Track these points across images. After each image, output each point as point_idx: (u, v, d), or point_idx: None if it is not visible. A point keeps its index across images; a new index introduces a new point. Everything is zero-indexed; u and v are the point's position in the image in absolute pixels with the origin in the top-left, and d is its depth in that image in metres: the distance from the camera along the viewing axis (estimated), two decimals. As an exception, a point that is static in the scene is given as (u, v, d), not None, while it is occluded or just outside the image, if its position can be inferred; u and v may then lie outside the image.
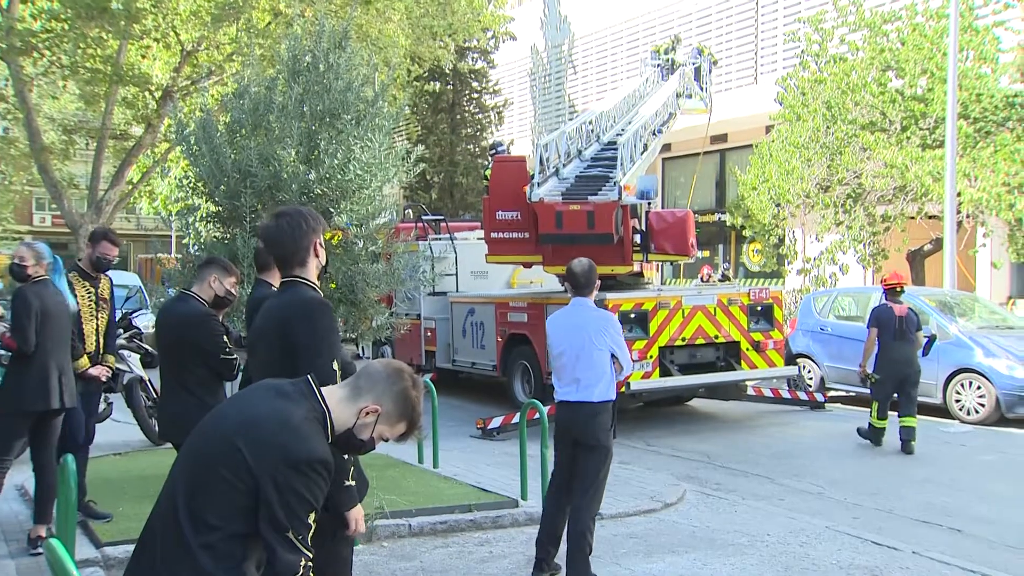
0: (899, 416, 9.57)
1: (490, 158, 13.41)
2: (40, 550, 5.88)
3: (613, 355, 5.46)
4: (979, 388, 11.20)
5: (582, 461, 5.48)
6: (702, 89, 15.05)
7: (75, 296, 6.38)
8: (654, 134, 12.70)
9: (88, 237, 6.59)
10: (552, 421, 5.81)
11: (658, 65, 15.03)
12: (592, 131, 12.24)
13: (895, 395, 9.77)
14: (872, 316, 10.01)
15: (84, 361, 6.37)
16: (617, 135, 12.03)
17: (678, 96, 14.10)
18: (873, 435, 9.83)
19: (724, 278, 20.06)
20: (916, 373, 9.75)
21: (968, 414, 11.23)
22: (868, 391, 10.27)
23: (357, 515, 3.47)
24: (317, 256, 3.54)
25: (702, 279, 18.85)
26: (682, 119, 14.49)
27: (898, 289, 9.95)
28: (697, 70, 15.07)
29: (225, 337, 5.25)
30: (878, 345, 9.75)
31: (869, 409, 9.97)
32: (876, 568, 5.90)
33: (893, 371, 9.65)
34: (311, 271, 3.53)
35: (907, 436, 9.48)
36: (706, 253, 22.84)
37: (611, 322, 5.60)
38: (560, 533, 5.61)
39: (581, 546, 5.39)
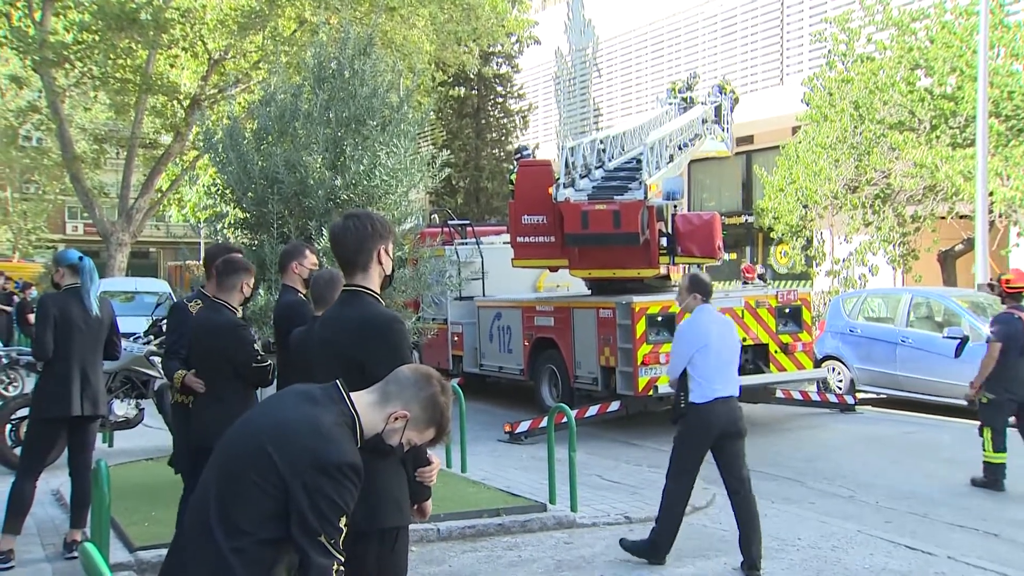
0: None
1: (515, 162, 13.39)
2: (75, 554, 5.96)
3: None
4: (1014, 390, 11.00)
5: (735, 449, 5.92)
6: (723, 129, 14.26)
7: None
8: (680, 148, 12.49)
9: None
10: (704, 420, 5.92)
11: (673, 104, 14.23)
12: (604, 150, 11.79)
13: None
14: (997, 328, 8.14)
15: None
16: (626, 163, 11.66)
17: (704, 122, 13.63)
18: (990, 475, 7.98)
19: (763, 279, 19.62)
20: None
21: (1003, 416, 11.04)
22: (972, 409, 8.62)
23: (428, 506, 3.46)
24: (381, 264, 3.36)
25: (746, 280, 18.40)
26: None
27: None
28: (717, 109, 14.29)
29: (256, 344, 5.30)
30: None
31: (981, 439, 8.06)
32: (910, 573, 5.83)
33: (1016, 393, 7.98)
34: (373, 279, 3.35)
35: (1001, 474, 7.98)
36: (733, 256, 22.68)
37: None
38: None
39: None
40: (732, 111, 14.79)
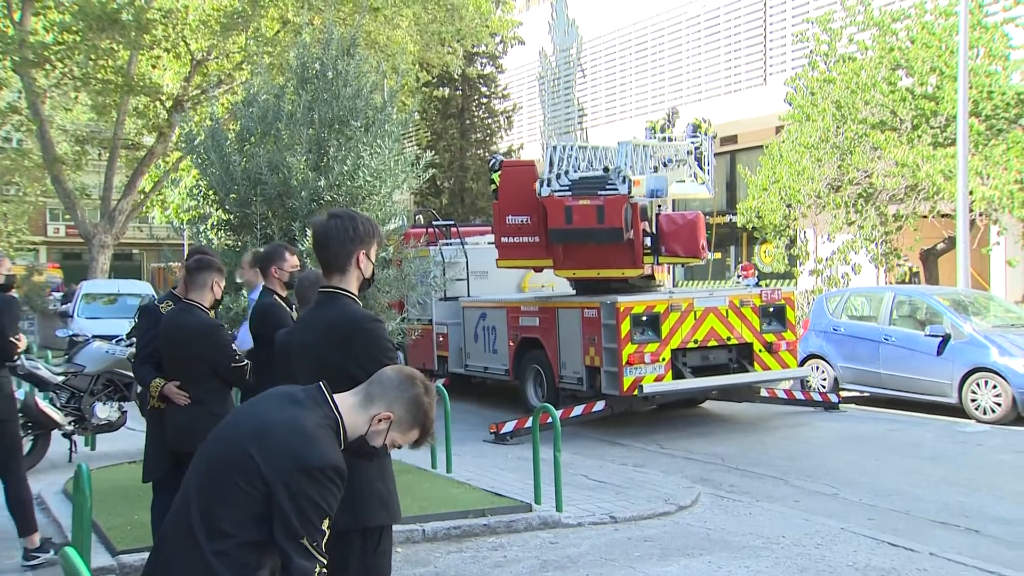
0: None
1: (490, 171, 13.26)
2: (37, 560, 5.90)
3: None
4: (995, 387, 11.11)
5: None
6: (703, 170, 13.55)
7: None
8: (664, 164, 12.24)
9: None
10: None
11: (654, 139, 13.38)
12: (569, 157, 11.32)
13: None
14: None
15: None
16: (594, 171, 11.42)
17: (688, 153, 13.11)
18: None
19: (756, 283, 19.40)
20: None
21: (984, 413, 11.15)
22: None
23: None
24: (359, 268, 3.27)
25: (744, 277, 18.17)
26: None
27: None
28: (698, 148, 13.52)
29: (233, 345, 5.25)
30: None
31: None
32: (893, 570, 5.86)
33: None
34: (351, 282, 3.27)
35: None
36: (717, 255, 22.77)
37: None
38: None
39: None
40: (711, 150, 14.06)
